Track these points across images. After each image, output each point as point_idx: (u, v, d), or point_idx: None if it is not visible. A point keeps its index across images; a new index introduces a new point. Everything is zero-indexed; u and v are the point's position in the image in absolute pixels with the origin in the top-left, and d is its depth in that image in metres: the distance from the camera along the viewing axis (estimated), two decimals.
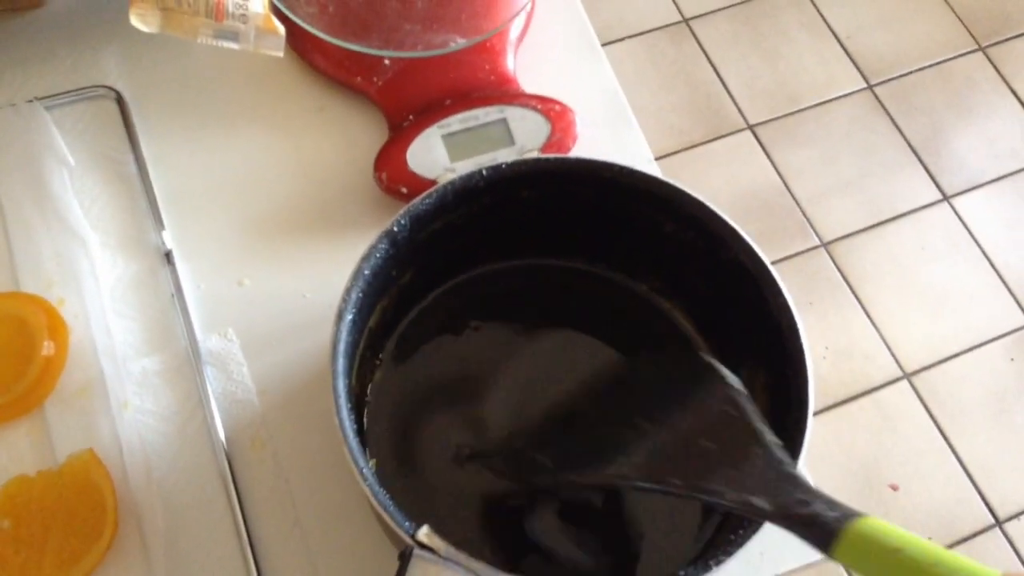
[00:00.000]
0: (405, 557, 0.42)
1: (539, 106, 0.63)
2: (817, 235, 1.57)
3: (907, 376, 1.47)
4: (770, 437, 0.40)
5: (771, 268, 0.50)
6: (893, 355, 1.49)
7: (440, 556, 0.42)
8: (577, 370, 0.54)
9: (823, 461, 1.34)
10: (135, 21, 0.57)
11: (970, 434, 1.43)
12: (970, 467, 1.41)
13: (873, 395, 1.46)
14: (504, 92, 0.63)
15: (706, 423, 0.41)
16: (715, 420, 0.41)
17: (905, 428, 1.44)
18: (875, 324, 1.51)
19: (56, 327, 0.56)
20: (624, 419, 0.44)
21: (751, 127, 1.66)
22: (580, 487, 0.45)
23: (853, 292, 1.53)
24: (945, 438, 1.43)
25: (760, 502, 0.36)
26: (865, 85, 1.71)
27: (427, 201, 0.51)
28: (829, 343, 1.49)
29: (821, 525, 0.34)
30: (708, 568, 0.43)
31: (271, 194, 0.63)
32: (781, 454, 0.39)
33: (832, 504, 0.35)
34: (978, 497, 1.38)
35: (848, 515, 0.34)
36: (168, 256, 0.60)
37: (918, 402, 1.45)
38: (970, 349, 1.50)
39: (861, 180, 1.63)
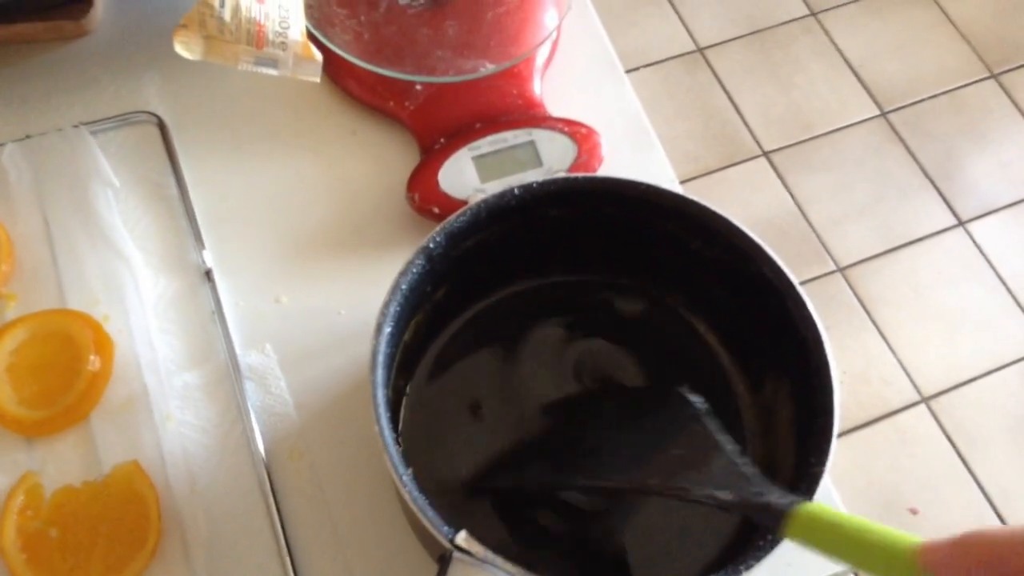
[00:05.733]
0: (445, 560, 0.44)
1: (566, 129, 0.65)
2: (833, 260, 1.59)
3: (925, 400, 1.48)
4: (730, 447, 0.46)
5: (795, 282, 0.51)
6: (911, 379, 1.49)
7: (478, 559, 0.43)
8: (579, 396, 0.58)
9: (842, 485, 1.35)
10: (179, 48, 0.59)
11: (989, 458, 1.43)
12: (989, 491, 1.41)
13: (891, 419, 1.46)
14: (532, 115, 0.65)
15: (678, 438, 0.48)
16: (685, 435, 0.48)
17: (924, 452, 1.44)
18: (892, 348, 1.51)
19: (101, 342, 0.58)
20: (612, 438, 0.51)
21: (766, 154, 1.68)
22: (575, 489, 0.52)
23: (870, 316, 1.54)
24: (964, 462, 1.43)
25: (724, 495, 0.43)
26: (878, 112, 1.73)
27: (461, 219, 0.53)
28: (847, 367, 1.50)
29: (773, 511, 0.41)
30: (738, 572, 0.44)
31: (307, 215, 0.65)
32: (739, 459, 0.45)
33: (783, 495, 0.42)
34: (998, 521, 1.38)
35: (794, 502, 0.41)
36: (208, 274, 0.62)
37: (936, 426, 1.46)
38: (987, 373, 1.50)
39: (876, 205, 1.64)
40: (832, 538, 0.38)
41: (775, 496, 0.42)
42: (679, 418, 0.49)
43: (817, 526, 0.39)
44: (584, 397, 0.57)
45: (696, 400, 0.50)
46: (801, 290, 0.51)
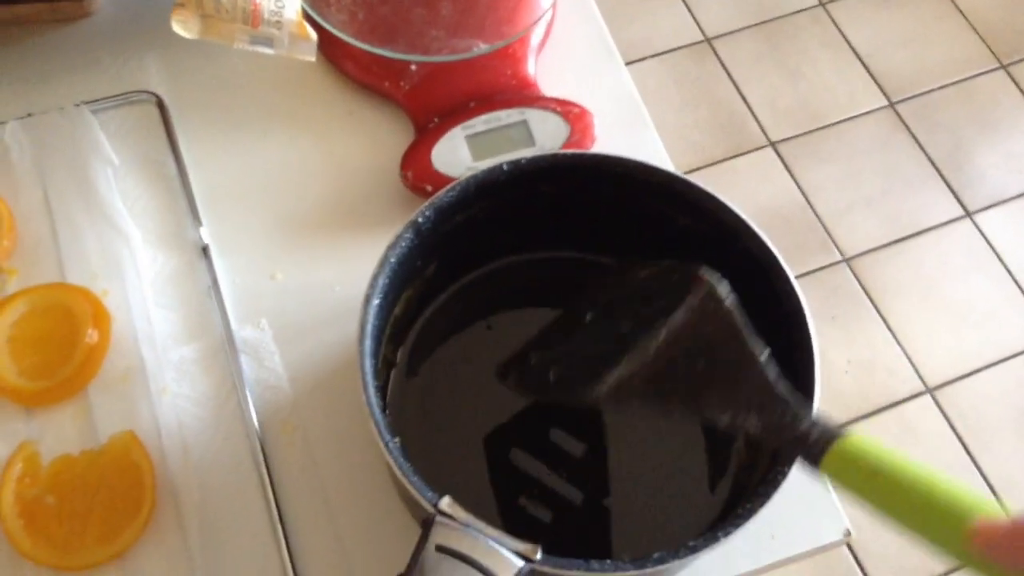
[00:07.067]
0: (428, 524, 0.44)
1: (559, 108, 0.65)
2: (839, 250, 1.58)
3: (930, 391, 1.47)
4: (763, 358, 0.42)
5: (779, 256, 0.52)
6: (916, 370, 1.49)
7: (460, 524, 0.44)
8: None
9: None
10: (177, 27, 0.60)
11: (994, 449, 1.43)
12: (994, 481, 1.40)
13: (896, 409, 1.46)
14: (525, 95, 0.66)
15: (702, 341, 0.43)
16: (710, 339, 0.43)
17: (928, 443, 1.44)
18: (897, 339, 1.51)
19: (100, 316, 0.59)
20: (625, 338, 0.47)
21: (773, 144, 1.68)
22: (586, 405, 0.48)
23: (875, 307, 1.54)
24: (968, 453, 1.43)
25: (751, 422, 0.39)
26: (887, 103, 1.73)
27: (450, 194, 0.53)
28: (852, 357, 1.50)
29: (809, 444, 0.37)
30: (716, 539, 0.45)
31: (303, 193, 0.66)
32: (773, 376, 0.41)
33: (815, 422, 0.38)
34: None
35: (833, 436, 0.36)
36: (205, 251, 0.63)
37: (941, 417, 1.46)
38: (993, 364, 1.50)
39: (883, 196, 1.64)
40: (875, 484, 0.34)
41: (809, 424, 0.38)
42: (705, 319, 0.44)
43: (860, 466, 0.35)
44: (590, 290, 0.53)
45: (723, 290, 0.45)
46: (785, 265, 0.51)
